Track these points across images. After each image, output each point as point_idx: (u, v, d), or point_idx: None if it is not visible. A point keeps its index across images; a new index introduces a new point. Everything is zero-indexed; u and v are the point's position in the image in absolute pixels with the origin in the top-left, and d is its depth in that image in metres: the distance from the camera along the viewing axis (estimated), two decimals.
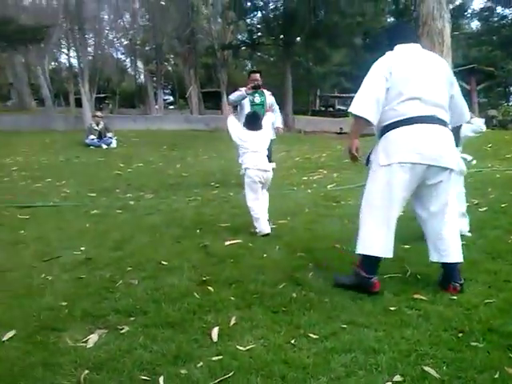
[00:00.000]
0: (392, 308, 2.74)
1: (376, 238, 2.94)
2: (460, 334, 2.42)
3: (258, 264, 3.54)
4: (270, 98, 7.24)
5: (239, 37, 29.24)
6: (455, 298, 2.75)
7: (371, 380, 2.08)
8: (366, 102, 2.91)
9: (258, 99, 7.13)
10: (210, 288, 3.10)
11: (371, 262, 2.96)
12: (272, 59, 36.93)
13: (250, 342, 2.42)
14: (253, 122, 4.83)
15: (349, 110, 3.04)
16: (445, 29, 10.33)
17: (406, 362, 2.21)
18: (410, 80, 2.88)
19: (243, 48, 27.28)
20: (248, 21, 26.27)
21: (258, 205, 4.54)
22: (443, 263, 2.97)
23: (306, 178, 7.68)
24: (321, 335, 2.47)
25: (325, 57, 28.85)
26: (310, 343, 2.40)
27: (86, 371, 2.17)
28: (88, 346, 2.40)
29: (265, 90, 7.27)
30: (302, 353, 2.32)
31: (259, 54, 35.02)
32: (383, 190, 2.90)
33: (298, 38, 23.41)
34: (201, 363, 2.23)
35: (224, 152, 12.42)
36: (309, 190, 6.49)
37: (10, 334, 2.51)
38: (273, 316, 2.70)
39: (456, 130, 3.15)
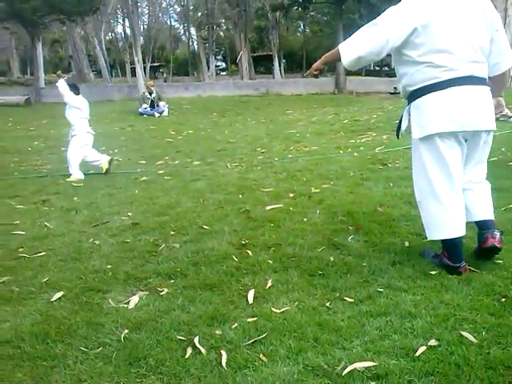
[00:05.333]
0: (432, 272, 2.66)
1: (445, 217, 2.61)
2: (503, 299, 2.32)
3: (298, 228, 3.53)
4: None
5: None
6: (500, 262, 2.61)
7: (405, 343, 2.04)
8: (357, 46, 2.60)
9: None
10: (248, 251, 3.14)
11: (452, 247, 2.63)
12: (325, 19, 35.78)
13: (284, 305, 2.44)
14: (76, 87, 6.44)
15: (340, 44, 2.74)
16: None
17: (443, 326, 2.15)
18: (445, 34, 2.47)
19: (295, 8, 26.45)
20: None
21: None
22: (475, 222, 2.73)
23: (353, 141, 7.49)
24: (356, 299, 2.45)
25: (380, 13, 27.50)
26: (345, 306, 2.39)
27: (126, 330, 2.28)
28: (129, 307, 2.51)
29: None
30: (337, 316, 2.31)
31: (312, 13, 34.00)
32: (434, 164, 2.59)
33: None
34: (236, 324, 2.28)
35: (272, 117, 12.35)
36: (355, 154, 6.34)
37: (59, 294, 2.67)
38: (309, 279, 2.71)
39: (499, 79, 2.73)
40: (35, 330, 2.31)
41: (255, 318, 2.32)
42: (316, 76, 2.98)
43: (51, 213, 4.34)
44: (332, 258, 2.94)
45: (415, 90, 2.61)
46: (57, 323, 2.37)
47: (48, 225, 3.94)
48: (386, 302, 2.39)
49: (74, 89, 6.31)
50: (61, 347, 2.18)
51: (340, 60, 2.69)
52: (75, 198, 4.79)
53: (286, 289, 2.61)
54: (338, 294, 2.51)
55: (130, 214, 4.16)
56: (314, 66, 2.92)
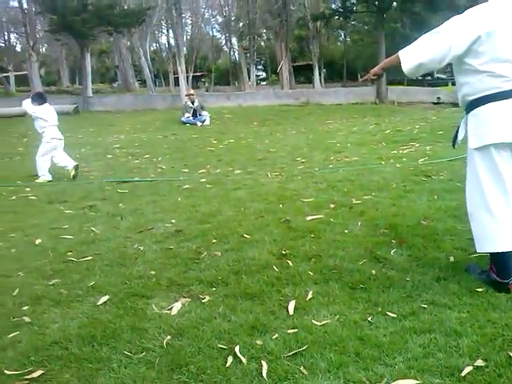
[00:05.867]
0: (479, 289, 2.58)
1: (497, 229, 2.53)
2: None
3: (339, 239, 3.50)
4: None
5: (332, 6, 28.39)
6: None
7: (451, 363, 1.99)
8: (419, 53, 2.58)
9: None
10: (289, 262, 3.14)
11: (502, 262, 2.56)
12: (366, 28, 35.51)
13: (325, 317, 2.42)
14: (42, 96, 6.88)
15: (400, 50, 2.71)
16: None
17: (491, 346, 2.08)
18: (509, 43, 2.43)
19: (336, 17, 26.45)
20: None
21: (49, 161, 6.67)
22: None
23: (395, 152, 7.38)
24: (399, 314, 2.41)
25: (423, 22, 27.04)
26: (388, 322, 2.35)
27: (169, 337, 2.32)
28: (172, 314, 2.55)
29: None
30: (379, 331, 2.28)
31: (352, 22, 33.84)
32: (488, 176, 2.53)
33: (394, 3, 22.14)
34: (276, 335, 2.28)
35: (312, 126, 12.33)
36: (398, 165, 6.24)
37: (104, 298, 2.75)
38: (350, 292, 2.68)
39: None
40: (82, 333, 2.39)
41: (296, 330, 2.32)
42: (372, 81, 3.00)
43: (98, 218, 4.49)
44: (374, 272, 2.91)
45: (474, 100, 2.56)
46: (102, 327, 2.44)
47: (94, 230, 4.07)
48: (430, 319, 2.33)
49: (40, 98, 6.72)
50: (106, 350, 2.24)
51: (400, 66, 2.67)
52: (121, 204, 4.94)
53: (326, 301, 2.60)
54: (380, 309, 2.47)
55: (173, 221, 4.24)
56: (373, 71, 2.91)
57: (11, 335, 2.40)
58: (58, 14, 18.99)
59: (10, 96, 25.68)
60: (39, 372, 2.10)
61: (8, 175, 6.80)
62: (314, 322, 2.38)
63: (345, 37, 40.93)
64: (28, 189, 5.90)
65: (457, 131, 2.76)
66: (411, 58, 2.62)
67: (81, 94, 22.28)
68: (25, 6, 25.71)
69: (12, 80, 32.23)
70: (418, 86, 25.91)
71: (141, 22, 22.15)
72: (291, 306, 2.55)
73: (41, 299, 2.79)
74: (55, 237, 3.94)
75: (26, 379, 2.05)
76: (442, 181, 5.14)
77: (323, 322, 2.37)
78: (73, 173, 6.56)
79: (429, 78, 30.77)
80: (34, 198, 5.42)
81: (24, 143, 10.73)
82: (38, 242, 3.82)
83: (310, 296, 2.65)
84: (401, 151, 7.46)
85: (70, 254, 3.52)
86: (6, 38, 36.08)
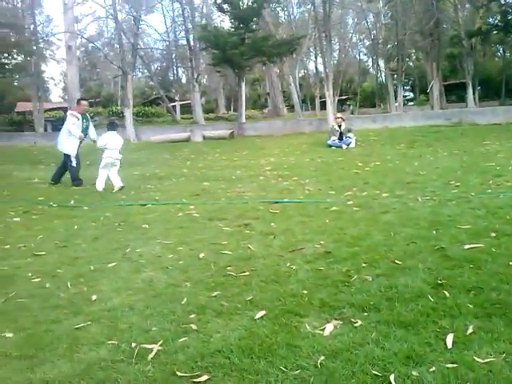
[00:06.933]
0: None
1: None
2: None
3: (502, 272, 3.24)
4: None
5: (490, 20, 26.38)
6: None
7: None
8: None
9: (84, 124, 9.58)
10: (445, 292, 3.00)
11: None
12: None
13: (489, 355, 2.27)
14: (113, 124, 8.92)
15: None
16: None
17: None
18: None
19: (494, 32, 24.47)
20: (501, 0, 23.45)
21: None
22: None
23: None
24: None
25: None
26: None
27: (322, 357, 2.37)
28: (324, 334, 2.61)
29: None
30: None
31: None
32: None
33: None
34: (433, 368, 2.20)
35: (466, 148, 11.50)
36: None
37: (261, 313, 2.91)
38: None
39: None
40: (241, 344, 2.55)
41: (455, 365, 2.21)
42: None
43: (252, 236, 4.76)
44: None
45: None
46: (259, 340, 2.58)
47: (250, 247, 4.34)
48: None
49: (111, 126, 8.73)
50: (263, 364, 2.36)
51: None
52: (272, 224, 5.18)
53: (489, 338, 2.43)
54: None
55: (322, 242, 4.33)
56: None
57: (181, 340, 2.65)
58: (219, 48, 20.81)
59: (176, 123, 28.69)
60: (205, 377, 2.27)
61: (175, 194, 7.58)
62: (475, 358, 2.25)
63: (504, 52, 37.58)
64: (192, 206, 6.49)
65: None
66: None
67: (235, 120, 23.91)
68: (191, 43, 28.81)
69: (178, 109, 35.97)
70: None
71: (292, 50, 23.11)
72: (449, 339, 2.43)
73: (205, 309, 3.04)
74: (216, 251, 4.27)
75: (194, 382, 2.24)
76: None
77: (486, 360, 2.22)
78: (116, 189, 8.18)
79: None
80: (196, 215, 5.95)
81: (188, 165, 11.85)
82: (201, 255, 4.18)
83: (470, 330, 2.51)
84: None
85: (229, 268, 3.79)
86: (175, 71, 40.68)
